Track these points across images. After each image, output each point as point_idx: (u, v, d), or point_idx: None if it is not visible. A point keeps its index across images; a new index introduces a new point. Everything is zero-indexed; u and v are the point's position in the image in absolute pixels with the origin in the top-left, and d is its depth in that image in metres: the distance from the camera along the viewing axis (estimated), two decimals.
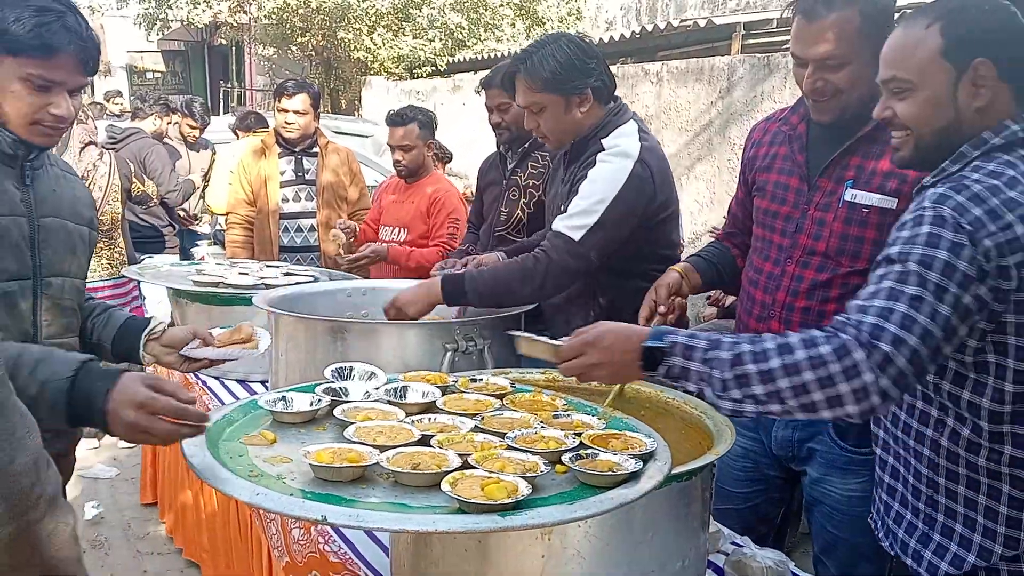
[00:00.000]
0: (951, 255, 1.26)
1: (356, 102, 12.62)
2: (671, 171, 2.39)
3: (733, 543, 1.82)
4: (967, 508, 1.43)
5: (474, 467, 1.25)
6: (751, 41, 6.53)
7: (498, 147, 3.17)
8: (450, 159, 5.61)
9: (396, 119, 3.63)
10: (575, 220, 2.22)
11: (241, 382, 2.88)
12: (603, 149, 2.27)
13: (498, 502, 1.14)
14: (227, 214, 4.18)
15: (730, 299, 3.64)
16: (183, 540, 3.26)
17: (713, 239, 2.31)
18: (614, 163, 2.23)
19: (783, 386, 1.27)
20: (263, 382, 2.80)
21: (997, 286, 1.28)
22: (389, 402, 1.58)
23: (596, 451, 1.34)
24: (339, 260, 3.66)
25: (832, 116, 1.82)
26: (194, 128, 5.89)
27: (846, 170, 1.83)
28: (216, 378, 2.90)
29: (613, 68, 7.38)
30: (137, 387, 1.31)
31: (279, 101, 3.92)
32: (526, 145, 2.98)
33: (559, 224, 2.25)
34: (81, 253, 1.79)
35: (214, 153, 5.88)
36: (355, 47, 11.53)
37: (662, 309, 2.01)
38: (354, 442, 1.34)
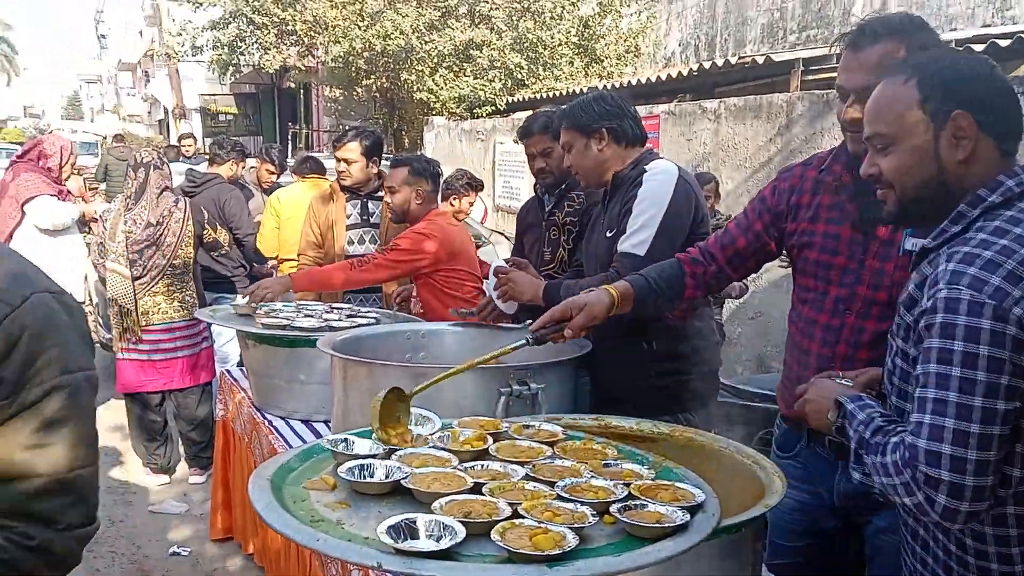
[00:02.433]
0: (968, 343, 1.24)
1: (419, 141, 12.92)
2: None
3: None
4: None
5: (524, 516, 1.29)
6: (810, 77, 6.51)
7: (535, 191, 3.29)
8: (480, 187, 5.75)
9: (393, 162, 3.78)
10: (637, 237, 2.40)
11: (305, 422, 2.97)
12: (643, 173, 2.49)
13: (545, 552, 1.17)
14: (299, 255, 4.33)
15: None
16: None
17: (678, 259, 2.20)
18: (659, 178, 2.46)
19: (877, 482, 1.37)
20: (326, 422, 2.89)
21: None
22: (444, 448, 1.63)
23: (644, 502, 1.36)
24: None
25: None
26: (272, 173, 6.21)
27: None
28: (282, 418, 3.01)
29: (671, 106, 7.41)
30: None
31: (335, 151, 4.12)
32: (563, 187, 3.09)
33: (623, 245, 2.42)
34: None
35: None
36: (418, 88, 11.83)
37: (568, 333, 2.01)
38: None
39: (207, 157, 6.19)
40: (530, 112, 10.16)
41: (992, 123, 1.37)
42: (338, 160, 4.07)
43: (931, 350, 1.28)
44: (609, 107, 2.56)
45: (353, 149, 4.03)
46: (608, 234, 2.53)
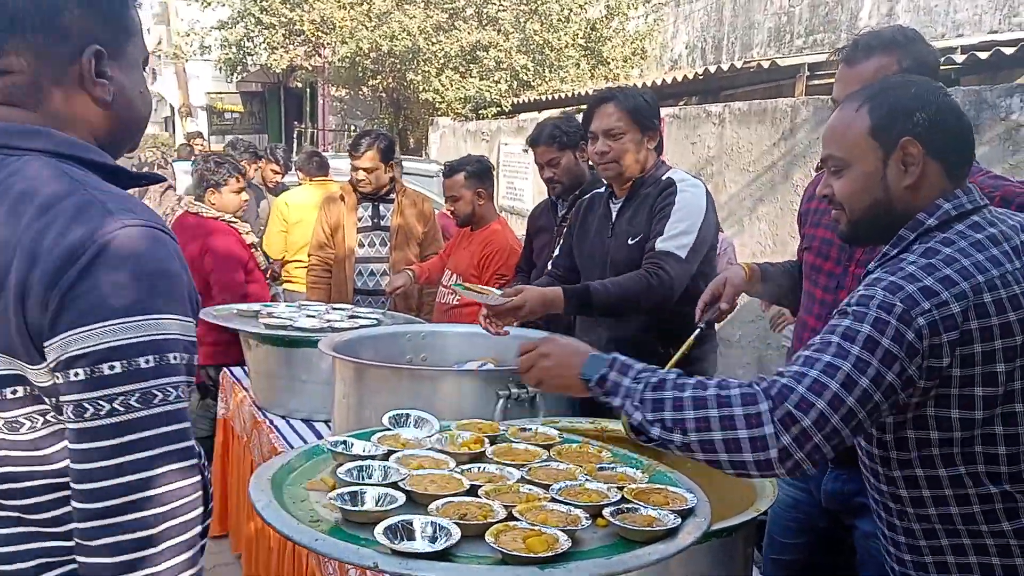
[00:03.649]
0: (874, 330, 1.29)
1: (424, 141, 12.95)
2: None
3: None
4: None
5: (518, 519, 1.31)
6: (816, 82, 6.52)
7: (550, 195, 3.30)
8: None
9: (446, 170, 3.78)
10: (678, 240, 2.42)
11: (306, 421, 3.00)
12: (674, 183, 2.51)
13: (538, 555, 1.19)
14: (308, 255, 4.37)
15: None
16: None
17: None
18: (693, 190, 2.50)
19: (688, 416, 1.33)
20: (327, 422, 2.91)
21: (930, 365, 1.29)
22: (441, 451, 1.65)
23: (637, 506, 1.38)
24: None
25: None
26: (277, 173, 6.28)
27: None
28: (283, 417, 3.03)
29: (675, 109, 7.44)
30: None
31: (352, 159, 4.11)
32: (576, 192, 3.09)
33: (664, 244, 2.42)
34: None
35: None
36: (424, 89, 11.86)
37: (724, 306, 2.08)
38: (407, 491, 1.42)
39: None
40: (535, 114, 10.20)
41: (940, 149, 1.40)
42: (356, 169, 4.08)
43: (839, 326, 1.33)
44: (658, 112, 2.58)
45: (372, 158, 4.05)
46: (630, 241, 2.53)
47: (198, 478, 1.03)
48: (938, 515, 1.40)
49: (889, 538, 1.49)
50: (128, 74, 1.15)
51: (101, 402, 0.97)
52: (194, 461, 1.03)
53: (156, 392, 0.99)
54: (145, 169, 4.50)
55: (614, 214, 2.63)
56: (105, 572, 0.97)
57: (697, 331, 2.07)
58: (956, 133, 1.43)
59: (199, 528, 1.03)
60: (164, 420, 0.99)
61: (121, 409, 0.97)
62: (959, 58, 5.36)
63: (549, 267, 2.99)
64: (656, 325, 2.50)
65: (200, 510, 1.03)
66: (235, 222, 4.07)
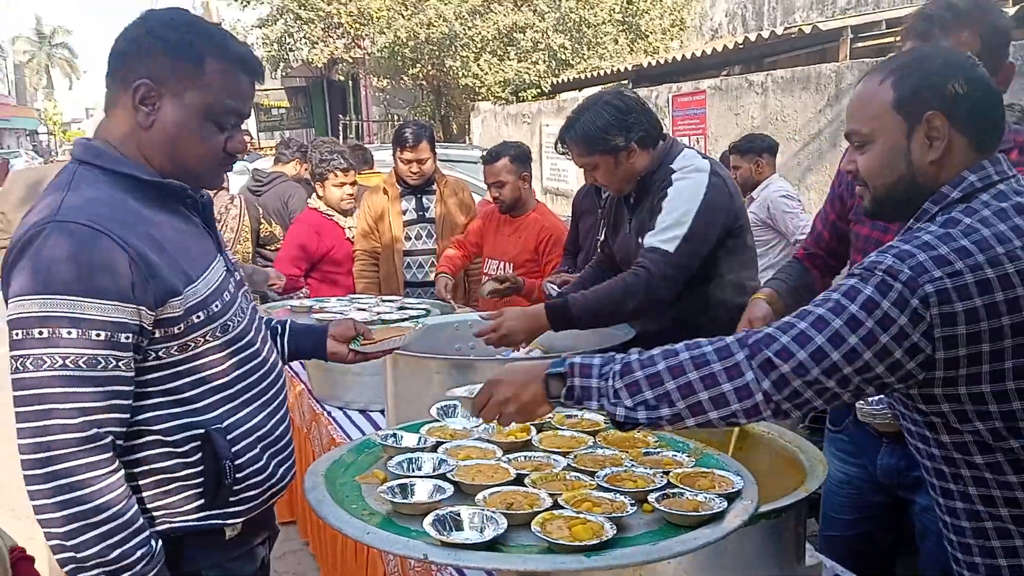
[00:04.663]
0: (876, 292, 1.26)
1: (466, 126, 12.99)
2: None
3: (836, 575, 1.82)
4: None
5: (564, 507, 1.34)
6: (860, 45, 6.35)
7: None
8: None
9: (487, 157, 3.76)
10: (666, 234, 2.33)
11: (363, 412, 3.07)
12: (674, 172, 2.39)
13: (584, 543, 1.22)
14: (354, 248, 4.40)
15: None
16: (321, 559, 3.47)
17: (793, 257, 2.28)
18: (691, 179, 2.37)
19: (670, 388, 1.32)
20: (382, 411, 2.97)
21: (942, 335, 1.24)
22: (488, 440, 1.69)
23: (683, 490, 1.39)
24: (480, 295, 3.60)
25: None
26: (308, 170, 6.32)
27: None
28: (340, 408, 3.10)
29: (716, 80, 7.30)
30: None
31: (401, 152, 4.06)
32: None
33: (651, 240, 2.35)
34: None
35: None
36: (463, 74, 11.89)
37: None
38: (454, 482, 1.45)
39: (261, 154, 6.34)
40: (575, 93, 10.12)
41: (967, 122, 1.36)
42: (407, 162, 4.06)
43: (843, 285, 1.31)
44: (629, 116, 2.40)
45: (426, 148, 4.05)
46: (639, 240, 2.45)
47: (84, 432, 1.29)
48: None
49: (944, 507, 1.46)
50: (182, 113, 1.43)
51: (12, 361, 1.29)
52: (80, 419, 1.28)
53: (45, 359, 1.27)
54: None
55: (628, 212, 2.60)
56: (34, 500, 1.29)
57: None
58: (984, 105, 1.37)
59: (99, 486, 1.30)
60: (48, 383, 1.28)
61: (20, 369, 1.29)
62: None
63: (599, 249, 2.98)
64: (680, 316, 2.45)
65: (97, 469, 1.30)
66: (332, 215, 4.26)
